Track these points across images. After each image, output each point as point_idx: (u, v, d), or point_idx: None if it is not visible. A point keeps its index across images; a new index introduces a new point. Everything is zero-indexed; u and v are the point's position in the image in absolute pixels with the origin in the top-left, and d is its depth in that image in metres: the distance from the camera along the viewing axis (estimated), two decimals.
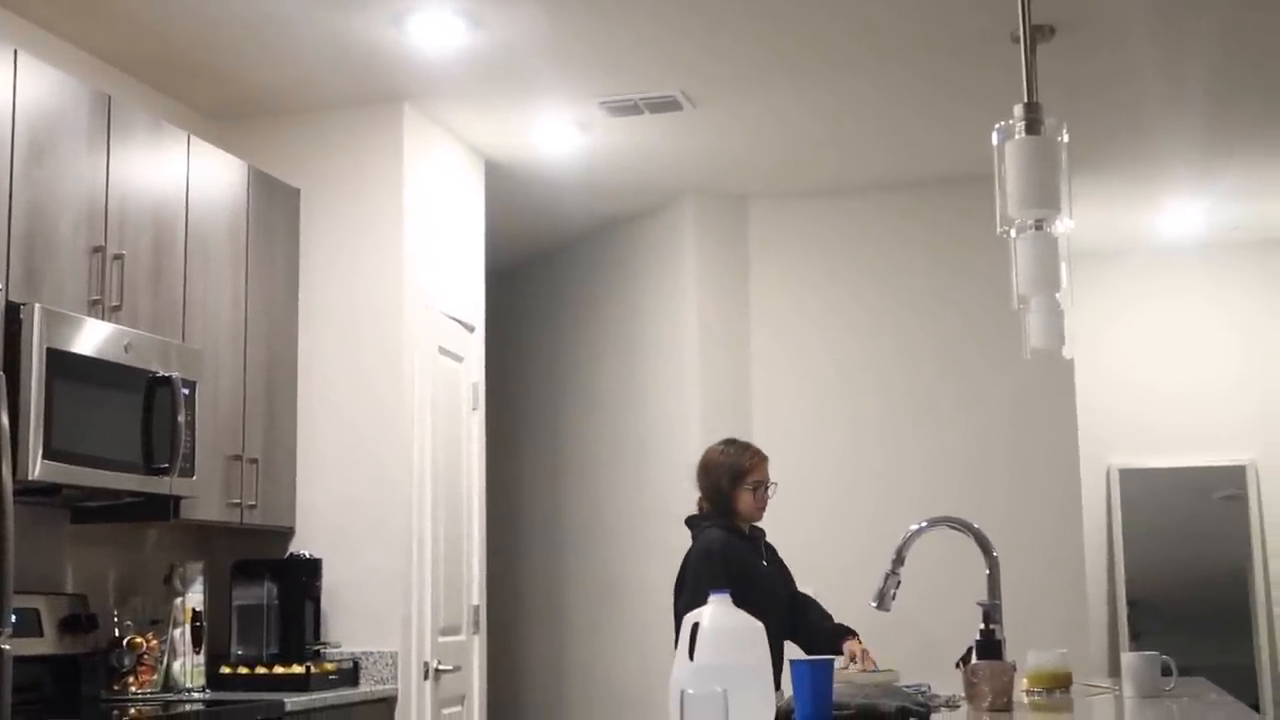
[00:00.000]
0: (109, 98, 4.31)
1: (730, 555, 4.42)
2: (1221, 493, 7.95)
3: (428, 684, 5.29)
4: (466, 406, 5.90)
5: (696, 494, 4.65)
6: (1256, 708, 7.35)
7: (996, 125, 3.55)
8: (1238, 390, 7.93)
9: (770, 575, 4.56)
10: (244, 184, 5.00)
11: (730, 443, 4.69)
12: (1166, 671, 3.65)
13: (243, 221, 4.97)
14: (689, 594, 4.27)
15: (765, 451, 4.63)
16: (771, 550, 4.67)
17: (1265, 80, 5.47)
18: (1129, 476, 8.01)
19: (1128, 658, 3.71)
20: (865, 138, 6.12)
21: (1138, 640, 7.67)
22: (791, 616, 4.58)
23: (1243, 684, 7.30)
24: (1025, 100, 3.58)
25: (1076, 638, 6.11)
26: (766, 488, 4.57)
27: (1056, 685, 3.75)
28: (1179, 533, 7.97)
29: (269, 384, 5.09)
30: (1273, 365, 7.90)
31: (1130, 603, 7.87)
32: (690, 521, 4.62)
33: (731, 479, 4.54)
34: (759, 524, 4.66)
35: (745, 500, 4.54)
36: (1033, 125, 3.49)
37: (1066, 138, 3.53)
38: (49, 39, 4.59)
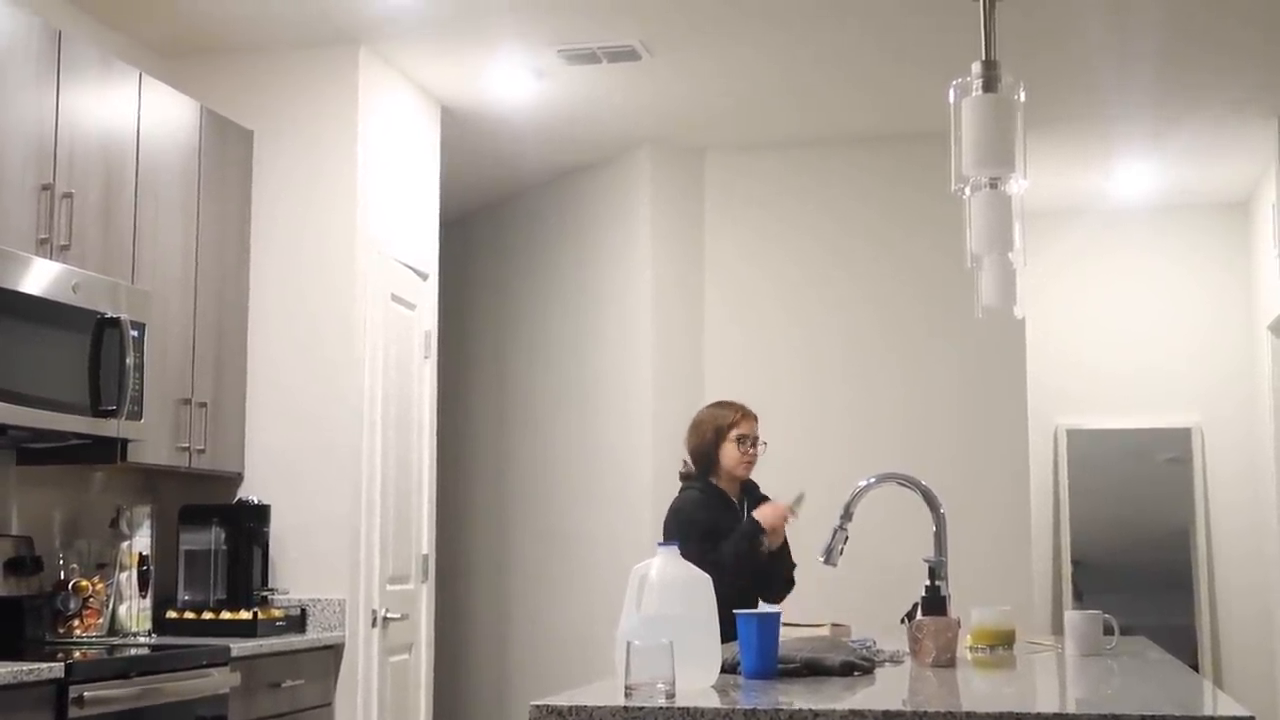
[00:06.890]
0: (59, 32, 4.24)
1: (699, 516, 4.44)
2: (1166, 455, 8.03)
3: (375, 632, 5.28)
4: (418, 354, 5.87)
5: (681, 452, 4.64)
6: (1195, 667, 7.45)
7: (954, 82, 3.54)
8: (1185, 354, 8.00)
9: None
10: (196, 124, 4.94)
11: (719, 403, 4.73)
12: (1108, 630, 3.68)
13: (194, 162, 4.91)
14: None
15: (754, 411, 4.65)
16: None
17: (1214, 46, 5.48)
18: (1076, 437, 8.08)
19: (1071, 616, 3.74)
20: (823, 92, 6.10)
21: (1080, 599, 7.76)
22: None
23: (1182, 644, 7.39)
24: (983, 58, 3.57)
25: (1021, 595, 6.18)
26: (754, 443, 4.57)
27: (1000, 642, 3.78)
28: (1124, 494, 8.05)
29: (219, 328, 5.05)
30: (1219, 330, 7.96)
31: (1074, 562, 7.95)
32: (681, 477, 4.65)
33: (716, 432, 4.56)
34: (752, 485, 4.65)
35: (730, 454, 4.55)
36: (990, 83, 3.48)
37: (1024, 97, 3.52)
38: None
